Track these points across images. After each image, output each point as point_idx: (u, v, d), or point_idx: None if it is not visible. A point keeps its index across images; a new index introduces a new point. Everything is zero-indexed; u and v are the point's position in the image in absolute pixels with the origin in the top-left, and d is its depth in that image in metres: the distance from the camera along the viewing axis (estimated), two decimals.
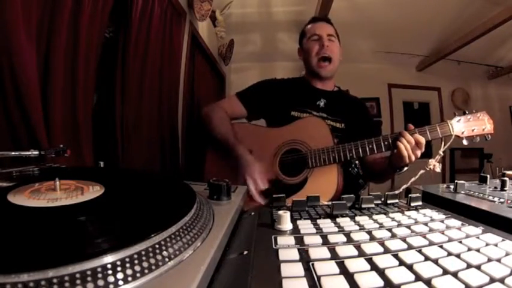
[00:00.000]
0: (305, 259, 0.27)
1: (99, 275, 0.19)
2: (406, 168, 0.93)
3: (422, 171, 0.82)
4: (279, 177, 1.00)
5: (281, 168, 1.01)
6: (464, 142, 0.87)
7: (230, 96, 1.23)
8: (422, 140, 0.85)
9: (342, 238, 0.32)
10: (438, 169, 0.83)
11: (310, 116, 1.10)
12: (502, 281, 0.23)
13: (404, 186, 0.78)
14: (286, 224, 0.35)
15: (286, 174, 1.00)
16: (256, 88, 1.21)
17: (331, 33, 1.16)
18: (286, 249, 0.29)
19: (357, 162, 1.22)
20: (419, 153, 0.87)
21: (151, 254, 0.22)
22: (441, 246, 0.30)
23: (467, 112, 0.89)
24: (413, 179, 0.79)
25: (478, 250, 0.29)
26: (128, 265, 0.20)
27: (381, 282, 0.23)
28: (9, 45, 0.64)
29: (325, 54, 1.13)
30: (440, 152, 0.85)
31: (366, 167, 1.14)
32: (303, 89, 1.20)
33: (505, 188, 0.53)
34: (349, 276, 0.24)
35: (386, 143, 0.89)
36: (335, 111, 1.15)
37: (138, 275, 0.20)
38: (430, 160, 0.83)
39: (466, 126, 0.87)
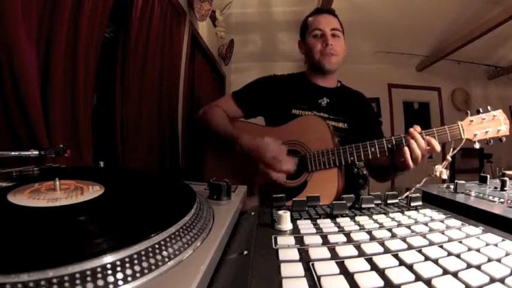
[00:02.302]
0: (305, 259, 0.27)
1: (99, 275, 0.19)
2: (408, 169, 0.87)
3: (427, 178, 0.74)
4: None
5: None
6: (476, 146, 0.79)
7: (226, 96, 1.17)
8: (438, 147, 0.79)
9: (342, 238, 0.32)
10: (445, 175, 0.75)
11: (309, 115, 1.06)
12: (502, 281, 0.23)
13: (407, 193, 0.71)
14: (286, 224, 0.35)
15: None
16: (253, 87, 1.16)
17: (335, 27, 1.09)
18: (286, 249, 0.29)
19: (357, 162, 1.20)
20: (425, 158, 0.81)
21: (151, 254, 0.22)
22: (441, 246, 0.30)
23: (481, 111, 0.80)
24: (418, 186, 0.70)
25: (478, 250, 0.29)
26: (127, 265, 0.20)
27: (381, 282, 0.23)
28: (9, 45, 0.64)
29: (331, 52, 1.07)
30: (449, 157, 0.76)
31: (369, 164, 1.12)
32: (304, 86, 1.15)
33: (505, 188, 0.53)
34: (349, 276, 0.24)
35: (390, 145, 0.84)
36: (337, 110, 1.10)
37: (138, 275, 0.20)
38: (436, 166, 0.75)
39: (479, 128, 0.78)
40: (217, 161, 1.07)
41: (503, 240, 0.31)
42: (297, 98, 1.12)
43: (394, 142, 0.84)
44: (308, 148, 0.96)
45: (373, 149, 0.86)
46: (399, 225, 0.36)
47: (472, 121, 0.79)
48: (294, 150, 0.99)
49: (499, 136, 0.79)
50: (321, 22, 1.10)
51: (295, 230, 0.35)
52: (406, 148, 0.80)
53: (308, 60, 1.16)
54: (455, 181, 0.55)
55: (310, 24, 1.12)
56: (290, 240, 0.31)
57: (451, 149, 0.78)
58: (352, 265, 0.25)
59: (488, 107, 0.80)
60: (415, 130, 0.81)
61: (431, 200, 0.50)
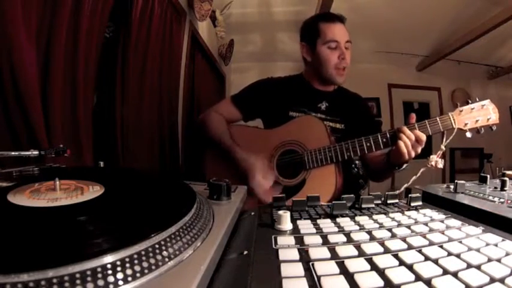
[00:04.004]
0: (305, 259, 0.27)
1: (99, 275, 0.19)
2: (406, 165, 0.90)
3: (423, 169, 0.77)
4: (277, 179, 0.99)
5: (278, 170, 1.00)
6: (468, 135, 0.82)
7: (225, 100, 1.19)
8: (423, 136, 0.82)
9: (342, 238, 0.32)
10: (440, 165, 0.78)
11: (305, 115, 1.07)
12: (502, 281, 0.23)
13: (405, 185, 0.73)
14: (286, 224, 0.35)
15: (283, 176, 0.99)
16: (251, 91, 1.17)
17: (348, 40, 1.08)
18: (286, 249, 0.29)
19: (357, 162, 1.21)
20: (419, 149, 0.84)
21: (151, 254, 0.22)
22: (441, 246, 0.30)
23: (470, 101, 0.83)
24: (414, 178, 0.74)
25: (478, 250, 0.29)
26: (127, 265, 0.20)
27: (381, 282, 0.23)
28: (9, 45, 0.64)
29: (345, 66, 1.08)
30: (442, 147, 0.80)
31: (366, 164, 1.13)
32: (302, 90, 1.16)
33: (505, 188, 0.53)
34: (349, 276, 0.24)
35: (384, 140, 0.87)
36: (336, 113, 1.12)
37: (138, 275, 0.20)
38: (431, 156, 0.79)
39: (469, 118, 0.81)
40: (218, 162, 1.07)
41: (503, 240, 0.31)
42: (295, 101, 1.12)
43: (388, 136, 0.87)
44: (305, 147, 0.97)
45: (368, 144, 0.88)
46: (399, 225, 0.36)
47: (461, 111, 0.83)
48: (292, 150, 1.00)
49: (489, 124, 0.82)
50: (337, 34, 1.07)
51: (295, 230, 0.35)
52: (400, 142, 0.83)
53: (314, 69, 1.14)
54: (455, 181, 0.55)
55: (324, 33, 1.07)
56: (290, 240, 0.31)
57: (444, 139, 0.82)
58: (352, 265, 0.25)
59: (477, 98, 0.83)
60: (410, 120, 0.86)
61: (431, 200, 0.50)
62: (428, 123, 0.84)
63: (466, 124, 0.82)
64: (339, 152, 0.91)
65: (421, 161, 0.84)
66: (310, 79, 1.17)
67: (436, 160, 0.78)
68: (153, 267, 0.21)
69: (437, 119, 0.84)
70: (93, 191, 0.33)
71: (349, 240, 0.32)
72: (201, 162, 1.13)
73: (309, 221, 0.38)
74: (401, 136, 0.83)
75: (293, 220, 0.37)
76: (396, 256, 0.27)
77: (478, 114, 0.81)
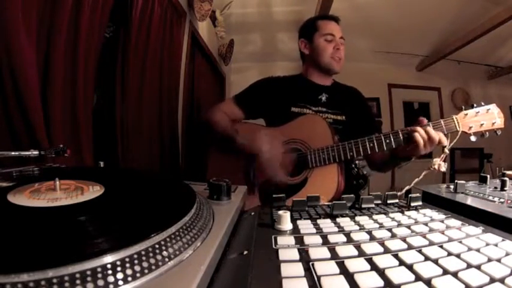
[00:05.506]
0: (305, 259, 0.27)
1: (99, 275, 0.19)
2: (413, 159, 0.90)
3: (426, 172, 0.77)
4: None
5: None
6: (472, 138, 0.82)
7: (227, 100, 1.22)
8: (436, 138, 0.80)
9: (342, 238, 0.32)
10: (443, 168, 0.77)
11: (309, 114, 1.10)
12: (502, 281, 0.23)
13: (407, 187, 0.71)
14: (286, 224, 0.35)
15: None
16: (253, 90, 1.20)
17: (342, 36, 1.19)
18: (286, 249, 0.29)
19: (357, 162, 1.22)
20: (432, 147, 0.83)
21: (151, 254, 0.22)
22: (441, 246, 0.30)
23: (475, 105, 0.83)
24: (416, 180, 0.72)
25: (478, 250, 0.29)
26: (127, 265, 0.20)
27: (381, 282, 0.23)
28: (9, 45, 0.64)
29: (339, 57, 1.17)
30: (446, 150, 0.80)
31: (369, 157, 1.14)
32: (303, 85, 1.20)
33: (505, 188, 0.53)
34: (349, 276, 0.24)
35: (387, 141, 0.87)
36: (336, 105, 1.17)
37: (138, 275, 0.20)
38: (434, 159, 0.78)
39: (474, 121, 0.81)
40: (219, 161, 1.08)
41: (503, 240, 0.31)
42: (296, 96, 1.16)
43: (391, 138, 0.86)
44: (308, 145, 0.98)
45: (371, 145, 0.88)
46: (399, 225, 0.36)
47: (466, 114, 0.82)
48: (295, 149, 1.00)
49: (494, 129, 0.81)
50: (334, 29, 1.18)
51: (295, 230, 0.35)
52: (417, 135, 0.81)
53: (312, 61, 1.20)
54: (455, 181, 0.55)
55: (322, 28, 1.19)
56: (290, 240, 0.31)
57: (448, 142, 0.81)
58: (352, 265, 0.25)
59: (482, 102, 0.83)
60: (422, 122, 0.84)
61: (431, 200, 0.50)
62: (433, 125, 0.83)
63: (470, 127, 0.81)
64: (342, 152, 0.91)
65: (423, 161, 0.84)
66: (309, 74, 1.22)
67: (439, 163, 0.78)
68: (153, 267, 0.21)
69: (441, 121, 0.83)
70: (93, 191, 0.33)
71: (349, 240, 0.32)
72: (203, 162, 1.14)
73: (309, 221, 0.38)
74: (419, 132, 0.82)
75: (293, 220, 0.37)
76: (396, 256, 0.27)
77: (483, 118, 0.81)
